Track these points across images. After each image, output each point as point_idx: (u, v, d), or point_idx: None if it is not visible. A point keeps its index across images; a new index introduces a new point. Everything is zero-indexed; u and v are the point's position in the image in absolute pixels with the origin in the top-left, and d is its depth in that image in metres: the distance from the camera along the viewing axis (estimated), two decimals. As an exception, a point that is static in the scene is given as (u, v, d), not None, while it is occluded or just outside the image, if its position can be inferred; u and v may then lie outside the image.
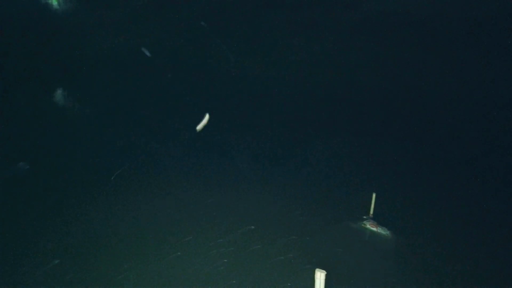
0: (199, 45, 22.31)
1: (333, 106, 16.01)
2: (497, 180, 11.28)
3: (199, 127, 9.57)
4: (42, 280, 6.79)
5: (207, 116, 9.65)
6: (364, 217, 9.06)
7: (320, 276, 6.02)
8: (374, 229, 8.70)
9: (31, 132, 12.26)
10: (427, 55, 21.71)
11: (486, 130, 14.59)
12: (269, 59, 21.52)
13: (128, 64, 19.04)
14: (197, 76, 18.38)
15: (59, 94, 14.56)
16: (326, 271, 6.13)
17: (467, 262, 7.89)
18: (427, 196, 10.21)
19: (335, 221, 9.00)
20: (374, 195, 9.17)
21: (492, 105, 16.75)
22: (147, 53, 9.06)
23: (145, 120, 14.30)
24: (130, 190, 9.66)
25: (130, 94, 16.57)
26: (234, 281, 7.06)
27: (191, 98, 16.18)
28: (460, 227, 9.00)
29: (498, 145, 13.64)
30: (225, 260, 7.53)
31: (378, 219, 9.03)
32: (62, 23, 22.27)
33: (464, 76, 19.25)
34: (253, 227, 8.54)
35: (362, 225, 8.84)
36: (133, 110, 15.43)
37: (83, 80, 16.95)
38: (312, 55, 21.29)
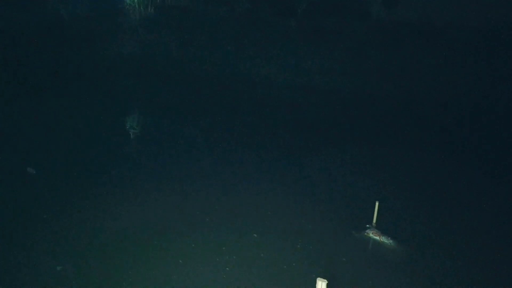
0: (207, 53, 22.53)
1: (339, 114, 16.04)
2: (504, 189, 11.20)
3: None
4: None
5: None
6: (367, 226, 9.03)
7: (321, 285, 6.01)
8: (377, 238, 8.67)
9: (38, 136, 12.43)
10: (438, 63, 21.73)
11: (496, 140, 14.52)
12: (281, 66, 21.63)
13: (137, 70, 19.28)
14: (201, 82, 18.55)
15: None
16: (328, 280, 6.12)
17: (472, 273, 7.83)
18: (431, 205, 10.17)
19: (338, 230, 8.98)
20: (377, 204, 9.15)
21: (502, 115, 16.70)
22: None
23: (152, 126, 14.43)
24: (132, 195, 9.73)
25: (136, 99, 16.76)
26: (236, 289, 7.07)
27: (203, 103, 16.32)
28: (465, 236, 8.94)
29: (506, 154, 13.56)
30: (227, 269, 7.54)
31: (381, 228, 8.99)
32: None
33: (474, 86, 19.20)
34: (255, 235, 8.55)
35: (365, 234, 8.82)
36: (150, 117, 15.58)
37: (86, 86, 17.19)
38: (324, 63, 21.37)
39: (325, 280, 6.00)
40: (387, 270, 7.81)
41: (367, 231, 8.86)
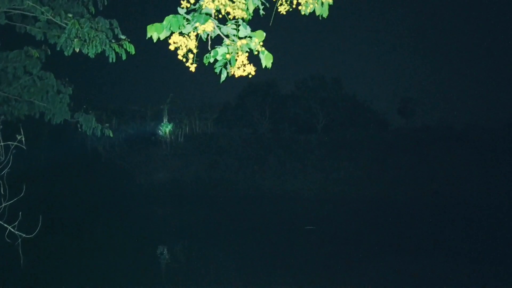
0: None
1: (371, 223, 15.62)
2: None
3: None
4: None
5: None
6: None
7: None
8: None
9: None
10: (461, 165, 21.63)
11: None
12: (306, 180, 22.04)
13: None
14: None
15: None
16: None
17: None
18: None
19: None
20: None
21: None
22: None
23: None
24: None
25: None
26: None
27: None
28: None
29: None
30: None
31: None
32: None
33: (501, 186, 18.72)
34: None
35: None
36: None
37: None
38: (347, 173, 21.70)
39: None
40: None
41: None
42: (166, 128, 30.10)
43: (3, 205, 4.05)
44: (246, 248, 14.28)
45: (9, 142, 4.12)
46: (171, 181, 22.85)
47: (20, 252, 4.08)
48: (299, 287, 11.37)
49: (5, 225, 4.05)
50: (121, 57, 5.73)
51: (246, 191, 20.48)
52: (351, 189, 20.12)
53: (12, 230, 4.10)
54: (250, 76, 3.89)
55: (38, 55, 5.69)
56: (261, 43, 3.77)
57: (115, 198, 20.04)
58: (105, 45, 5.25)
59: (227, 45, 3.84)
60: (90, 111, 6.31)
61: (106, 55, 5.63)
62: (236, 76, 3.88)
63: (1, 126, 4.02)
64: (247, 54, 3.83)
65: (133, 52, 5.71)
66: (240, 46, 3.75)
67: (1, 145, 4.06)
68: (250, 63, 3.86)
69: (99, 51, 5.23)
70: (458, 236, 14.26)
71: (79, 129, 6.58)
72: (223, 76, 3.90)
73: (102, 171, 24.19)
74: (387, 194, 18.94)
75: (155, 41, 3.61)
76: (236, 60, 3.75)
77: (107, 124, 6.41)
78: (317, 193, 19.95)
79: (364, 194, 19.15)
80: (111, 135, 6.38)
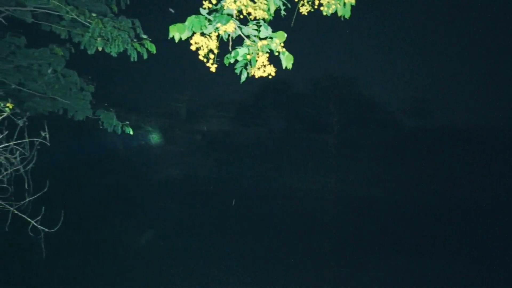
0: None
1: (388, 224, 15.44)
2: None
3: None
4: None
5: None
6: None
7: None
8: None
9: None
10: (474, 167, 21.15)
11: None
12: (320, 180, 21.93)
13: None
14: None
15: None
16: None
17: None
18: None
19: None
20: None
21: None
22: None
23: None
24: None
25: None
26: None
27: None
28: None
29: None
30: None
31: None
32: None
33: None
34: None
35: None
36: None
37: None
38: (360, 173, 21.54)
39: None
40: None
41: None
42: (181, 126, 30.32)
43: (27, 200, 4.17)
44: (255, 246, 14.24)
45: (33, 139, 4.23)
46: (185, 178, 23.07)
47: (43, 246, 4.19)
48: (308, 285, 11.34)
49: (29, 219, 4.17)
50: (143, 56, 5.82)
51: (258, 189, 20.51)
52: (364, 189, 19.93)
53: (35, 224, 4.21)
54: (270, 76, 3.90)
55: (62, 53, 5.82)
56: (282, 44, 3.76)
57: (132, 194, 20.34)
58: (127, 44, 5.33)
59: (248, 46, 3.84)
60: (111, 109, 6.43)
61: (128, 54, 5.72)
62: (256, 76, 3.88)
63: (26, 123, 4.14)
64: (267, 54, 3.83)
65: (154, 51, 5.79)
66: (260, 47, 3.75)
67: (26, 141, 4.17)
68: (270, 63, 3.86)
69: (121, 50, 5.32)
70: (476, 239, 13.96)
71: (100, 126, 6.70)
72: (243, 77, 3.91)
73: (120, 168, 24.57)
74: (400, 194, 18.68)
75: (177, 41, 3.64)
76: (256, 60, 3.75)
77: (127, 122, 6.52)
78: (330, 192, 19.82)
79: (377, 195, 18.94)
80: (131, 132, 6.49)
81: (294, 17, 3.89)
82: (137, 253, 13.71)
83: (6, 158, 4.02)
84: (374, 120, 30.91)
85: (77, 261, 13.13)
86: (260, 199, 18.97)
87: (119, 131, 6.55)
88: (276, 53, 3.84)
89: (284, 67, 3.79)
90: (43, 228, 4.21)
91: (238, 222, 16.74)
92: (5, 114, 3.70)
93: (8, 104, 4.07)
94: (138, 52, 5.64)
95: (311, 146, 26.77)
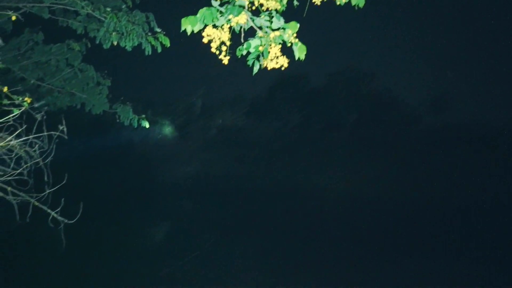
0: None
1: (399, 224, 15.26)
2: None
3: None
4: None
5: None
6: None
7: None
8: None
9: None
10: (492, 170, 20.61)
11: None
12: (335, 177, 21.75)
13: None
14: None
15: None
16: None
17: None
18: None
19: None
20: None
21: None
22: None
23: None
24: None
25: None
26: None
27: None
28: None
29: None
30: None
31: None
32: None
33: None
34: None
35: None
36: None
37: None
38: (376, 171, 21.26)
39: None
40: None
41: None
42: (196, 121, 30.56)
43: (47, 191, 4.28)
44: (270, 243, 14.22)
45: (52, 132, 4.33)
46: (200, 174, 23.23)
47: (63, 236, 4.30)
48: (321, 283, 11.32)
49: (49, 210, 4.28)
50: (157, 50, 5.86)
51: (272, 185, 20.49)
52: (380, 187, 19.69)
53: (55, 215, 4.33)
54: (282, 68, 3.88)
55: (79, 48, 5.93)
56: (295, 35, 3.73)
57: (147, 188, 20.61)
58: (142, 38, 5.39)
59: (260, 37, 3.82)
60: (128, 103, 6.52)
61: (143, 48, 5.78)
62: (269, 68, 3.87)
63: (44, 117, 4.24)
64: (280, 46, 3.81)
65: (168, 45, 5.83)
66: (273, 38, 3.74)
67: (44, 135, 4.28)
68: (283, 55, 3.84)
69: (135, 44, 5.38)
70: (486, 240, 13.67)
71: (117, 120, 6.81)
72: (256, 69, 3.90)
73: (135, 162, 24.95)
74: (416, 193, 18.40)
75: (189, 34, 3.65)
76: (269, 52, 3.74)
77: (143, 115, 6.61)
78: (345, 190, 19.65)
79: (392, 193, 18.70)
80: (147, 126, 6.57)
81: (307, 7, 3.86)
82: (152, 245, 13.91)
83: (25, 151, 4.14)
84: (392, 116, 30.43)
85: (94, 252, 13.41)
86: (271, 195, 18.95)
87: (136, 125, 6.64)
88: (289, 44, 3.81)
89: (296, 58, 3.77)
90: (63, 219, 4.32)
91: (252, 218, 16.77)
92: (23, 108, 3.80)
93: (26, 99, 4.17)
94: (153, 46, 5.69)
95: (326, 141, 26.60)
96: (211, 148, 27.25)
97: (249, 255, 13.28)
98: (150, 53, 5.82)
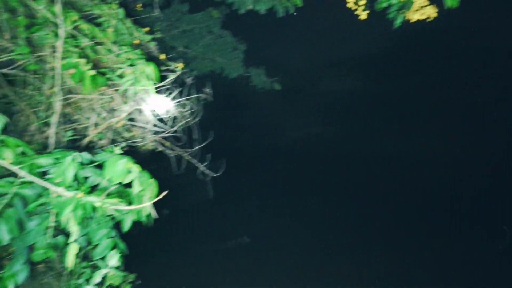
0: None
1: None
2: None
3: None
4: None
5: None
6: None
7: None
8: None
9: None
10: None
11: None
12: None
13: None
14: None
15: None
16: None
17: None
18: None
19: None
20: None
21: None
22: None
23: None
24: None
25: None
26: None
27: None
28: None
29: None
30: None
31: None
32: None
33: None
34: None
35: None
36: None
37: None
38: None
39: None
40: None
41: None
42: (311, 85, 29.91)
43: (197, 147, 4.87)
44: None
45: (199, 95, 4.84)
46: (300, 138, 22.63)
47: (210, 187, 4.86)
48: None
49: (199, 164, 4.89)
50: (289, 10, 5.89)
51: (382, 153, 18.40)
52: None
53: (204, 169, 4.92)
54: (428, 19, 3.56)
55: (218, 15, 6.34)
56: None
57: (264, 148, 20.45)
58: (275, -1, 5.46)
59: (404, -14, 3.55)
60: (261, 66, 6.81)
61: (275, 10, 5.87)
62: (412, 20, 3.59)
63: (194, 80, 4.74)
64: (427, -6, 3.48)
65: (300, 4, 5.79)
66: (419, -14, 3.43)
67: (193, 97, 4.80)
68: (430, 4, 3.50)
69: (269, 6, 5.49)
70: None
71: (250, 83, 7.19)
72: (398, 21, 3.65)
73: (258, 123, 25.82)
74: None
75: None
76: (413, 2, 3.44)
77: (275, 78, 6.84)
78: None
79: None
80: (279, 88, 6.78)
81: None
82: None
83: (179, 111, 4.73)
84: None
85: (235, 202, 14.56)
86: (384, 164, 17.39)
87: (268, 87, 6.92)
88: (438, -9, 3.45)
89: (447, 6, 3.38)
90: (210, 172, 4.89)
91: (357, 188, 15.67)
92: (177, 73, 4.30)
93: (178, 65, 4.68)
94: (285, 7, 5.73)
95: (453, 105, 23.23)
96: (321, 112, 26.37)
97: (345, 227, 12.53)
98: (282, 14, 5.88)
